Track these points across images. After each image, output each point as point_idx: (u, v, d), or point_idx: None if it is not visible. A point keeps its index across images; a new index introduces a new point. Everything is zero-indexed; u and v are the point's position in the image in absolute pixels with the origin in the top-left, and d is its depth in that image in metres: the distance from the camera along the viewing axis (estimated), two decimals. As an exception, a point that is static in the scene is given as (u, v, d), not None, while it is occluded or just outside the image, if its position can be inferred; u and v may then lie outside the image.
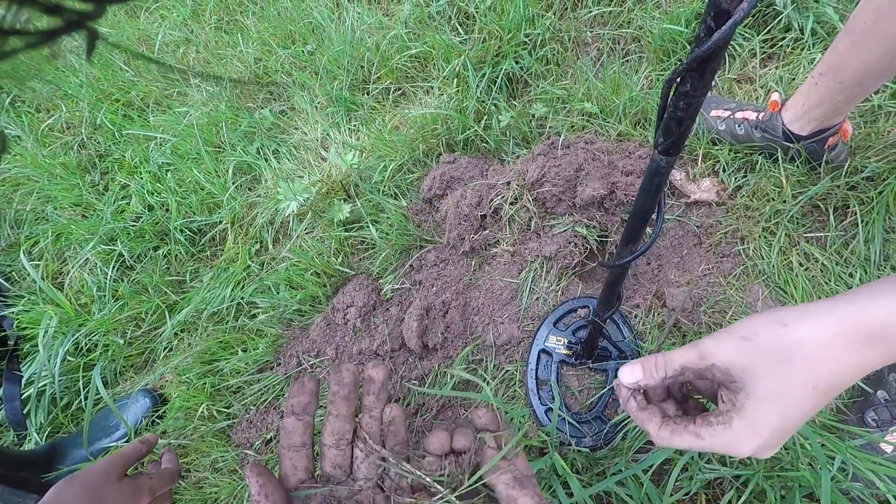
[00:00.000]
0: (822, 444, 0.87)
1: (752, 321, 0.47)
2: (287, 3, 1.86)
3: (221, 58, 1.87)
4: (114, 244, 1.53)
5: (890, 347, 0.40)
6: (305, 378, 0.55)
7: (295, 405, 0.53)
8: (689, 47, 1.41)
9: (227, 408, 1.29)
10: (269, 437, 1.24)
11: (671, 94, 0.46)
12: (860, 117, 1.26)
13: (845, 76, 0.99)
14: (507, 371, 1.22)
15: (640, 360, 0.54)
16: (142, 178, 1.63)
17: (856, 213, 1.15)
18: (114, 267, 1.50)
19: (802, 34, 1.35)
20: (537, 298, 1.28)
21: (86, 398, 1.35)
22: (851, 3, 1.32)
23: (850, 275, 1.13)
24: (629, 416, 1.03)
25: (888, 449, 0.94)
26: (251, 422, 1.27)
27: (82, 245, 1.55)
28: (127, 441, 1.27)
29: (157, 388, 1.37)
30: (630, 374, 0.54)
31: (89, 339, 1.42)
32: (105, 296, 1.46)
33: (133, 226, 1.56)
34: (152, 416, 1.30)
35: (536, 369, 1.18)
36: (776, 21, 1.37)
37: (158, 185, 1.62)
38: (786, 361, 0.43)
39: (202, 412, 1.27)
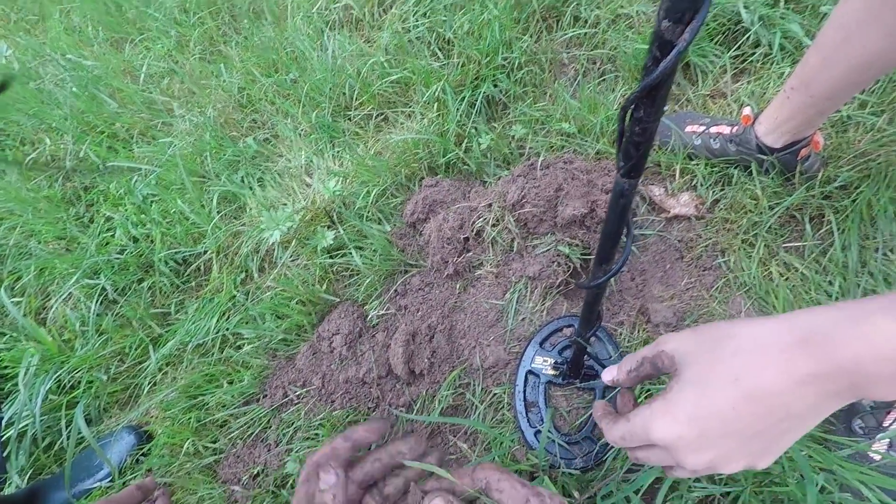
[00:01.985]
0: (810, 457, 0.86)
1: (715, 322, 0.49)
2: (270, 33, 1.89)
3: (205, 87, 1.89)
4: (97, 278, 1.52)
5: (819, 351, 0.39)
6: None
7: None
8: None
9: (214, 442, 1.27)
10: (256, 471, 1.22)
11: (627, 120, 0.47)
12: (831, 128, 1.28)
13: (816, 90, 1.02)
14: (495, 394, 1.21)
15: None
16: (126, 210, 1.63)
17: (831, 222, 1.16)
18: (97, 301, 1.49)
19: (771, 49, 1.37)
20: (523, 319, 1.27)
21: (68, 438, 1.33)
22: (816, 18, 1.35)
23: (830, 283, 1.13)
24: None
25: (877, 457, 0.93)
26: (238, 456, 1.25)
27: (66, 279, 1.54)
28: (111, 481, 1.24)
29: (141, 424, 1.35)
30: (608, 373, 0.58)
31: (72, 376, 1.40)
32: (88, 331, 1.45)
33: (117, 258, 1.55)
34: (137, 453, 1.28)
35: (524, 391, 1.17)
36: (745, 37, 1.40)
37: (143, 216, 1.62)
38: (717, 350, 0.44)
39: (188, 448, 1.25)
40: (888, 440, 0.95)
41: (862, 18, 0.86)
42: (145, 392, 1.39)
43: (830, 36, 0.93)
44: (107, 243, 1.60)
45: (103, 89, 1.97)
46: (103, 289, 1.51)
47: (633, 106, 0.46)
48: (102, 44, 2.17)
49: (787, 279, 1.17)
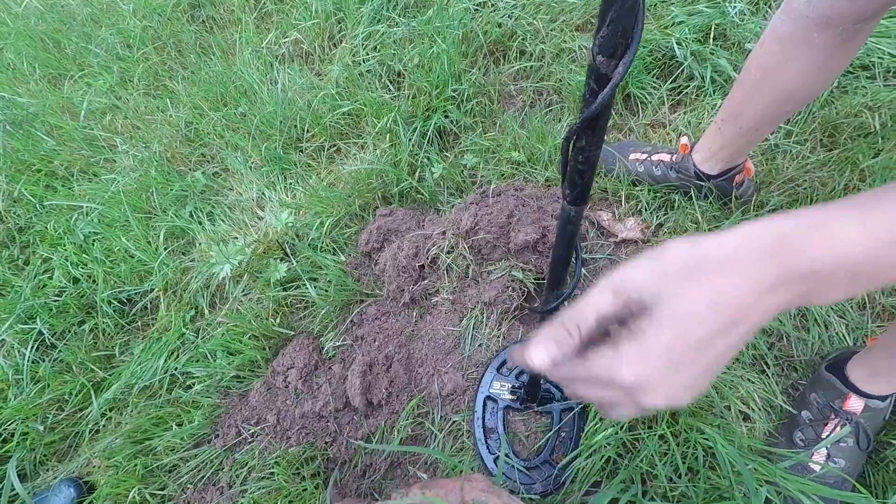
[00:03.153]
0: (755, 470, 0.90)
1: (664, 244, 0.42)
2: (218, 67, 1.88)
3: (150, 122, 1.85)
4: (33, 322, 1.44)
5: (786, 259, 0.38)
6: None
7: None
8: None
9: (162, 489, 1.21)
10: (207, 516, 1.16)
11: (570, 150, 0.50)
12: (761, 155, 1.37)
13: (743, 123, 1.10)
14: (454, 422, 1.20)
15: (545, 333, 0.43)
16: (66, 250, 1.56)
17: (766, 243, 1.23)
18: (33, 347, 1.41)
19: (704, 82, 1.47)
20: (480, 345, 1.28)
21: (0, 496, 1.23)
22: (741, 54, 1.46)
23: (768, 301, 1.19)
24: (576, 458, 1.04)
25: (816, 468, 0.98)
26: (188, 502, 1.19)
27: (-3, 325, 1.45)
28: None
29: (82, 475, 1.27)
30: (541, 355, 0.43)
31: (4, 429, 1.31)
32: (23, 379, 1.36)
33: (55, 301, 1.47)
34: (77, 506, 1.20)
35: (483, 417, 1.17)
36: (680, 70, 1.49)
37: (84, 255, 1.55)
38: (692, 278, 0.39)
39: (133, 497, 1.18)
40: (826, 451, 1.00)
41: (778, 59, 0.95)
42: (86, 441, 1.31)
43: (752, 73, 1.01)
44: (44, 285, 1.52)
45: (40, 127, 1.90)
46: (40, 333, 1.43)
47: (575, 136, 0.48)
48: (39, 81, 2.10)
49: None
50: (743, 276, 0.38)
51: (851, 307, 1.17)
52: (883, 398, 0.98)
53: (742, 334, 0.40)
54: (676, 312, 0.39)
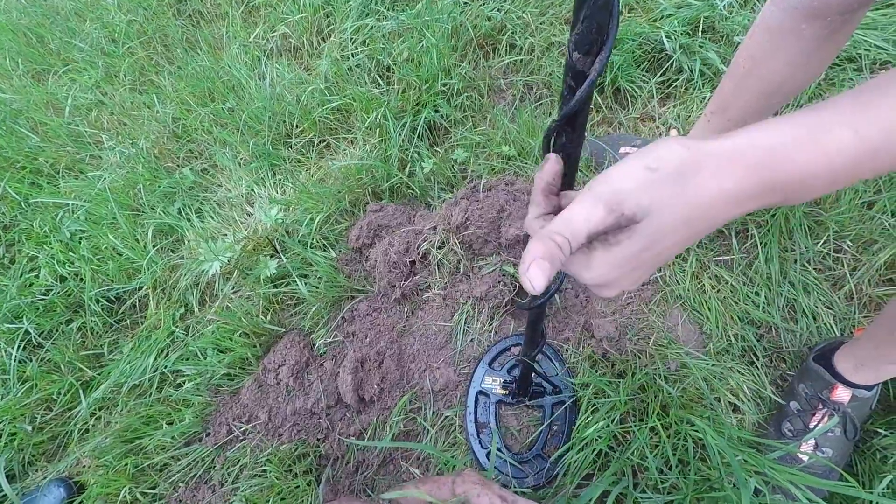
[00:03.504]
0: (745, 461, 0.91)
1: (659, 148, 0.41)
2: (205, 62, 1.85)
3: (137, 119, 1.83)
4: (19, 322, 1.42)
5: (770, 176, 0.39)
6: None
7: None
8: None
9: (153, 488, 1.20)
10: (199, 515, 1.16)
11: (551, 146, 0.49)
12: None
13: (731, 115, 1.10)
14: (447, 417, 1.20)
15: (536, 250, 0.41)
16: (52, 248, 1.54)
17: (755, 236, 1.24)
18: (19, 347, 1.39)
19: (693, 75, 1.47)
20: (471, 340, 1.28)
21: (-11, 496, 1.22)
22: (730, 47, 1.46)
23: (756, 293, 1.20)
24: (568, 451, 1.04)
25: (804, 458, 0.99)
26: (180, 500, 1.19)
27: (-18, 326, 1.43)
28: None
29: (72, 475, 1.26)
30: (538, 278, 0.40)
31: (-8, 429, 1.30)
32: (9, 379, 1.35)
33: (42, 300, 1.46)
34: (67, 507, 1.20)
35: (475, 412, 1.18)
36: (669, 64, 1.49)
37: (71, 253, 1.53)
38: (676, 187, 0.40)
39: (124, 496, 1.17)
40: (814, 441, 1.01)
41: (767, 49, 0.95)
42: (75, 440, 1.30)
43: (740, 65, 1.02)
44: (30, 284, 1.51)
45: (24, 123, 1.87)
46: (27, 332, 1.41)
47: (555, 134, 0.48)
48: (23, 76, 2.06)
49: (718, 291, 1.24)
50: (723, 190, 0.39)
51: (839, 298, 1.18)
52: (869, 388, 0.99)
53: (700, 237, 0.42)
54: (656, 228, 0.40)
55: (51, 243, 1.56)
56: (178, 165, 1.72)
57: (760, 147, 0.39)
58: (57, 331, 1.45)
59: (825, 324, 1.16)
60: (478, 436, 1.14)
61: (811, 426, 1.02)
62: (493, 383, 1.20)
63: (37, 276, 1.51)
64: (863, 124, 0.38)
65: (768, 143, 0.39)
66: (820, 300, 1.18)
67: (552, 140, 0.48)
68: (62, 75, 2.01)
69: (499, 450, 1.10)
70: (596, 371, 1.17)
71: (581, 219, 0.40)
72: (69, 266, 1.50)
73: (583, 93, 0.40)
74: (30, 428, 1.29)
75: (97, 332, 1.45)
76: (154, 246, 1.49)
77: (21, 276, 1.52)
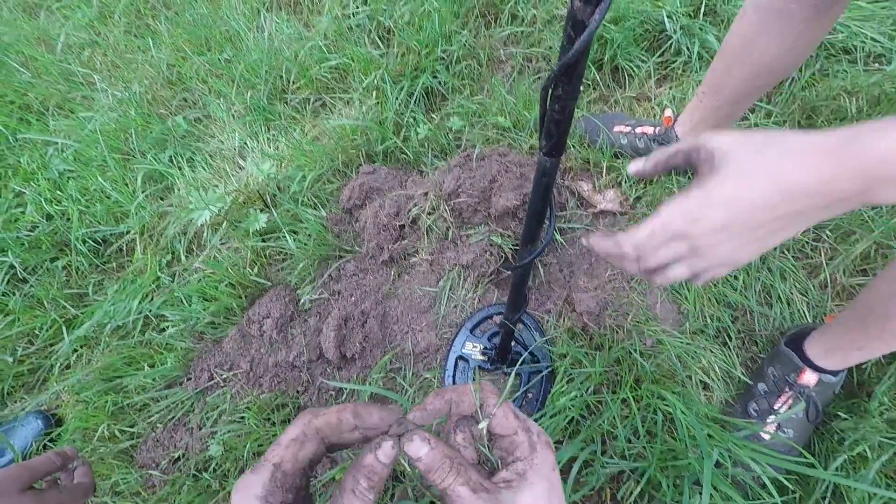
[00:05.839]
0: (710, 436, 0.94)
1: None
2: (203, 9, 1.82)
3: (131, 62, 1.80)
4: (4, 255, 1.41)
5: (847, 157, 0.42)
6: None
7: None
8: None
9: (131, 427, 1.22)
10: (176, 455, 1.18)
11: (548, 99, 0.50)
12: (742, 135, 1.39)
13: (723, 95, 1.12)
14: (426, 378, 1.23)
15: (644, 157, 0.58)
16: (39, 186, 1.53)
17: (739, 221, 1.26)
18: (4, 280, 1.39)
19: (690, 58, 1.47)
20: (455, 306, 1.30)
21: (-34, 424, 1.23)
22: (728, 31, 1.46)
23: (735, 277, 1.23)
24: (542, 417, 1.07)
25: (766, 437, 1.03)
26: (158, 440, 1.21)
27: (-34, 257, 1.43)
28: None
29: (51, 408, 1.28)
30: (635, 164, 0.59)
31: (-29, 359, 1.30)
32: (-9, 311, 1.35)
33: (28, 235, 1.45)
34: (44, 439, 1.21)
35: (454, 376, 1.20)
36: (668, 44, 1.50)
37: (59, 192, 1.52)
38: (764, 150, 0.45)
39: (102, 432, 1.19)
40: (777, 422, 1.05)
41: (757, 29, 0.96)
42: (56, 375, 1.31)
43: (732, 44, 1.03)
44: (16, 220, 1.50)
45: (14, 57, 1.83)
46: (11, 266, 1.41)
47: (552, 86, 0.49)
48: (14, 9, 2.01)
49: (698, 271, 1.26)
50: (810, 161, 0.43)
51: (814, 286, 1.21)
52: (835, 373, 1.03)
53: (792, 226, 0.46)
54: (739, 171, 0.46)
55: (38, 181, 1.54)
56: (171, 113, 1.70)
57: (839, 134, 0.43)
58: (42, 267, 1.45)
59: (798, 310, 1.20)
60: (454, 397, 1.17)
61: (776, 408, 1.06)
62: (472, 349, 1.22)
63: (23, 213, 1.50)
64: None
65: (848, 131, 0.42)
66: (795, 287, 1.21)
67: (549, 92, 0.49)
68: (55, 11, 1.97)
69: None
70: (574, 343, 1.19)
71: (679, 143, 0.53)
72: (56, 205, 1.49)
73: (581, 43, 0.41)
74: (10, 359, 1.29)
75: (82, 272, 1.45)
76: (143, 192, 1.49)
77: (7, 210, 1.51)
